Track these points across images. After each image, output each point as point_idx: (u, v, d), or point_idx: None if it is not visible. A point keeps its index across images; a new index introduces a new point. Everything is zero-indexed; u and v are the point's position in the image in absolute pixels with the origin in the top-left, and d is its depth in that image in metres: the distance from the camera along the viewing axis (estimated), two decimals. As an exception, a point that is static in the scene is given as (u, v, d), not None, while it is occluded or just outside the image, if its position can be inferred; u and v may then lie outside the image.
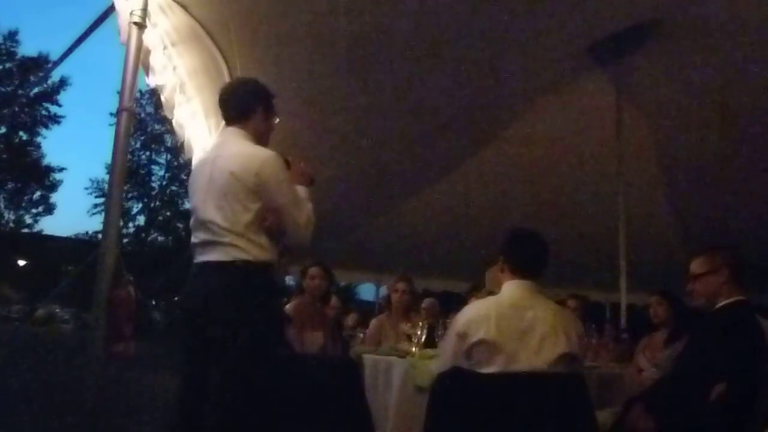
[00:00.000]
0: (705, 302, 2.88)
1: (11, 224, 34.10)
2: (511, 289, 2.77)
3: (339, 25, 4.21)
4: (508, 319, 2.61)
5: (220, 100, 2.90)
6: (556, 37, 4.69)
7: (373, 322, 4.96)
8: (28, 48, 39.95)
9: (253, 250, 2.60)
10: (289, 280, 6.06)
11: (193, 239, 2.75)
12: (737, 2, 4.21)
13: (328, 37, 4.32)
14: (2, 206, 33.62)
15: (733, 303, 2.79)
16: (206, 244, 2.66)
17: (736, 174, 6.28)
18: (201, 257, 2.69)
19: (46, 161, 34.47)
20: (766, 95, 5.12)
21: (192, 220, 2.77)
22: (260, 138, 2.83)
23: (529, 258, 2.83)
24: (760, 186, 6.33)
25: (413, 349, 3.73)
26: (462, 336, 2.63)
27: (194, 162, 4.55)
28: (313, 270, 4.63)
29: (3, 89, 31.77)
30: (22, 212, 34.38)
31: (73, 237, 34.81)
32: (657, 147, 6.37)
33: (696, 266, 2.91)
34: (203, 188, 2.70)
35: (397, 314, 4.79)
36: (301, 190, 2.81)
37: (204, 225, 2.66)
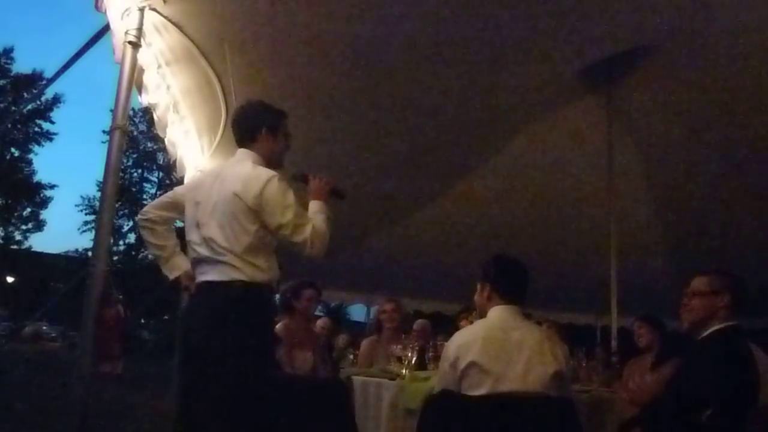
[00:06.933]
0: (696, 320, 2.86)
1: (0, 240, 33.87)
2: (497, 313, 2.81)
3: (333, 48, 4.24)
4: (495, 342, 2.64)
5: (231, 123, 2.99)
6: (547, 60, 4.73)
7: (365, 343, 4.95)
8: (24, 66, 39.81)
9: (250, 270, 2.63)
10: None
11: (193, 254, 2.77)
12: (730, 28, 4.26)
13: (322, 60, 4.35)
14: (-8, 222, 33.45)
15: (726, 328, 2.79)
16: (206, 262, 2.69)
17: (727, 199, 6.32)
18: (200, 277, 2.73)
19: (37, 178, 34.39)
20: (758, 120, 5.17)
21: (194, 235, 2.77)
22: (270, 158, 2.87)
23: (516, 284, 2.88)
24: (751, 211, 6.38)
25: (403, 371, 3.71)
26: (453, 364, 2.65)
27: (194, 174, 4.57)
28: (310, 292, 4.66)
29: (-4, 105, 31.74)
30: (11, 228, 34.16)
31: (62, 254, 34.59)
32: (648, 171, 6.41)
33: (699, 284, 2.90)
34: (208, 207, 2.72)
35: (388, 335, 4.78)
36: (317, 205, 2.84)
37: (206, 242, 2.69)
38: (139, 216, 2.97)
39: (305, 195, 2.90)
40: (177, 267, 2.90)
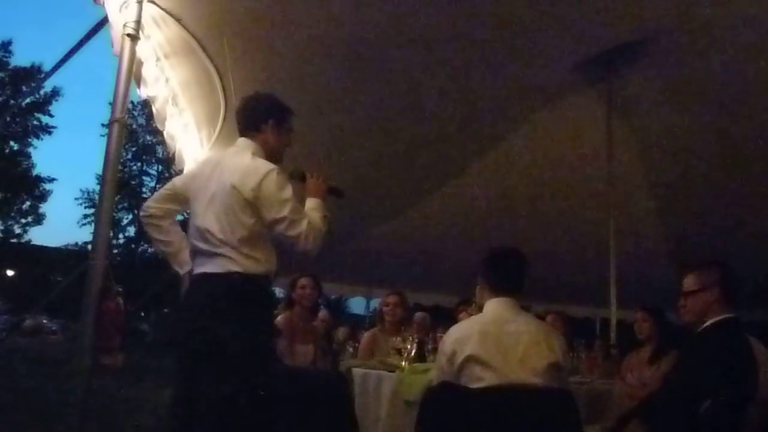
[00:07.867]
0: (694, 319, 2.88)
1: (0, 234, 33.88)
2: (492, 306, 2.81)
3: (332, 42, 4.23)
4: (491, 335, 2.64)
5: (236, 110, 2.96)
6: (546, 54, 4.71)
7: (366, 336, 4.95)
8: (22, 59, 39.64)
9: (246, 262, 2.62)
10: (278, 292, 6.03)
11: (190, 247, 2.77)
12: (731, 21, 4.24)
13: (320, 53, 4.34)
14: (-8, 216, 33.44)
15: (722, 321, 2.79)
16: (203, 254, 2.69)
17: (727, 191, 6.31)
18: (198, 269, 2.73)
19: (36, 171, 34.37)
20: (758, 113, 5.16)
21: (190, 227, 2.77)
22: (271, 151, 2.85)
23: (508, 276, 2.87)
24: (752, 203, 6.37)
25: (403, 363, 3.72)
26: (450, 358, 2.65)
27: (193, 164, 4.56)
28: (303, 280, 4.67)
29: (-5, 99, 31.66)
30: (11, 222, 34.16)
31: (62, 247, 34.59)
32: (647, 164, 6.40)
33: (688, 283, 2.91)
34: (206, 198, 2.72)
35: (389, 328, 4.78)
36: (314, 202, 2.84)
37: (201, 233, 2.68)
38: (141, 213, 2.92)
39: (303, 193, 2.89)
40: (187, 261, 2.86)
